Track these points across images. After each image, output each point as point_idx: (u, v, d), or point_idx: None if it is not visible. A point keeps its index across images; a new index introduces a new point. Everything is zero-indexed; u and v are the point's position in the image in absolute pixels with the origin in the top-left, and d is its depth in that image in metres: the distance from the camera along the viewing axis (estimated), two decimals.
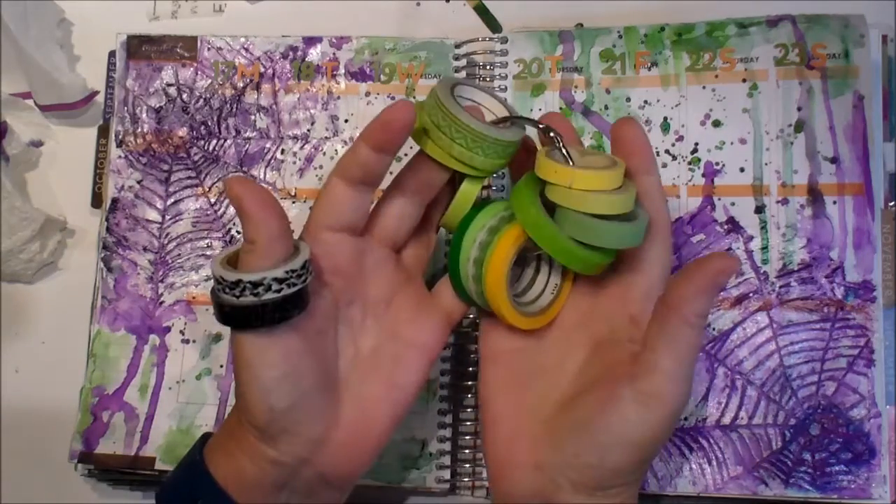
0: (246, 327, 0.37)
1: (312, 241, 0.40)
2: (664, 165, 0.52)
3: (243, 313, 0.36)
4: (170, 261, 0.54)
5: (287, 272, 0.36)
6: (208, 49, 0.56)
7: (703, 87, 0.52)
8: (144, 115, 0.56)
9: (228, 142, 0.55)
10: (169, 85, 0.56)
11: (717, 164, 0.51)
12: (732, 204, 0.51)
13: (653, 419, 0.37)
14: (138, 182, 0.55)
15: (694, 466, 0.48)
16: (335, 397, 0.41)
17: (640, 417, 0.37)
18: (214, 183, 0.55)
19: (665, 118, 0.52)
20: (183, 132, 0.56)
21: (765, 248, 0.50)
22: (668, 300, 0.38)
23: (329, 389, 0.40)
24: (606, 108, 0.53)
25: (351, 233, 0.41)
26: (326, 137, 0.55)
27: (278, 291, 0.36)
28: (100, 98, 0.59)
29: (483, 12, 0.58)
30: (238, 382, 0.39)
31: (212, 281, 0.37)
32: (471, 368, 0.51)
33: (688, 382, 0.38)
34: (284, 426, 0.38)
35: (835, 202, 0.50)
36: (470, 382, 0.51)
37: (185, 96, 0.56)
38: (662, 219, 0.41)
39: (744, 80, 0.52)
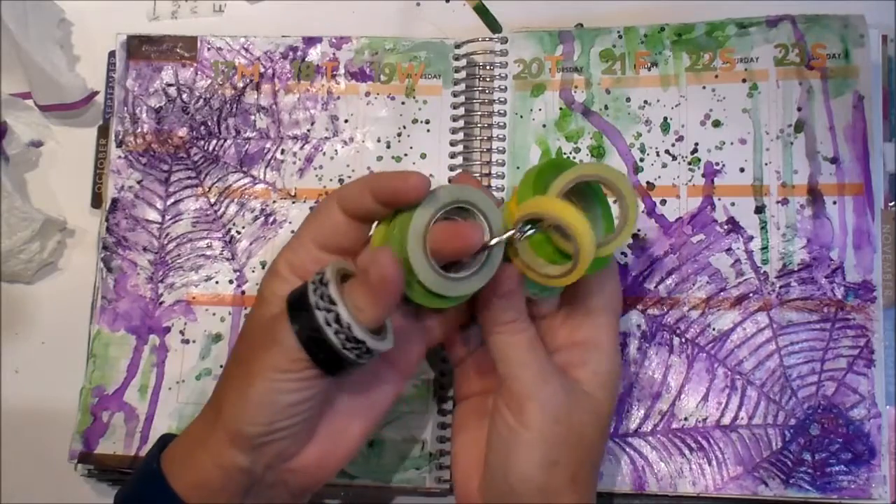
0: (330, 371, 0.37)
1: (306, 255, 0.40)
2: (664, 166, 0.52)
3: (338, 361, 0.37)
4: (170, 261, 0.54)
5: (381, 349, 0.37)
6: (208, 49, 0.56)
7: (703, 88, 0.52)
8: (144, 115, 0.56)
9: (228, 142, 0.55)
10: (169, 85, 0.56)
11: (717, 164, 0.51)
12: (732, 204, 0.51)
13: (519, 422, 0.39)
14: (138, 182, 0.55)
15: (694, 467, 0.48)
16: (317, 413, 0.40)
17: (509, 431, 0.40)
18: (214, 183, 0.55)
19: (665, 118, 0.52)
20: (183, 132, 0.56)
21: (765, 249, 0.50)
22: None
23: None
24: (606, 108, 0.53)
25: (344, 254, 0.41)
26: (326, 137, 0.55)
27: (369, 354, 0.37)
28: (100, 98, 0.59)
29: (483, 12, 0.58)
30: (240, 396, 0.38)
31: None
32: None
33: (542, 375, 0.40)
34: (269, 440, 0.38)
35: (835, 202, 0.50)
36: None
37: (185, 96, 0.56)
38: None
39: (744, 81, 0.52)
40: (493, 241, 0.39)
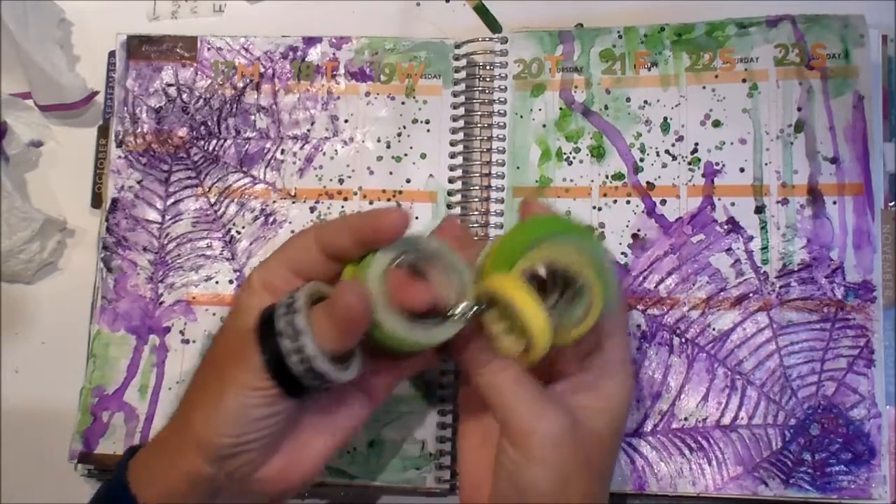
0: (292, 394, 0.37)
1: (279, 278, 0.40)
2: (664, 166, 0.52)
3: (300, 387, 0.37)
4: (170, 261, 0.54)
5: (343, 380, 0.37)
6: (208, 49, 0.56)
7: (703, 88, 0.52)
8: (144, 115, 0.56)
9: (228, 142, 0.55)
10: (169, 85, 0.56)
11: (717, 164, 0.51)
12: (732, 204, 0.51)
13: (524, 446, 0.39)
14: (138, 182, 0.55)
15: (694, 467, 0.48)
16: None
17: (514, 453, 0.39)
18: (214, 183, 0.55)
19: (665, 118, 0.52)
20: (183, 132, 0.56)
21: (765, 249, 0.50)
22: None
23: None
24: (606, 108, 0.53)
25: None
26: (326, 137, 0.55)
27: (329, 384, 0.37)
28: (100, 98, 0.59)
29: (483, 12, 0.58)
30: (210, 406, 0.38)
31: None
32: None
33: (536, 408, 0.39)
34: (237, 451, 0.38)
35: (835, 202, 0.50)
36: None
37: (185, 96, 0.56)
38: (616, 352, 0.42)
39: (744, 81, 0.52)
40: (449, 312, 0.38)
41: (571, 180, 0.52)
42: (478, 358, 0.40)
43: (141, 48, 0.57)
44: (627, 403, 0.42)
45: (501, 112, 0.54)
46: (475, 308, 0.38)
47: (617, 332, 0.41)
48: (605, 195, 0.52)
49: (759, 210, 0.50)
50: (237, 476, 0.39)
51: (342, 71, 0.55)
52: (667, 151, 0.52)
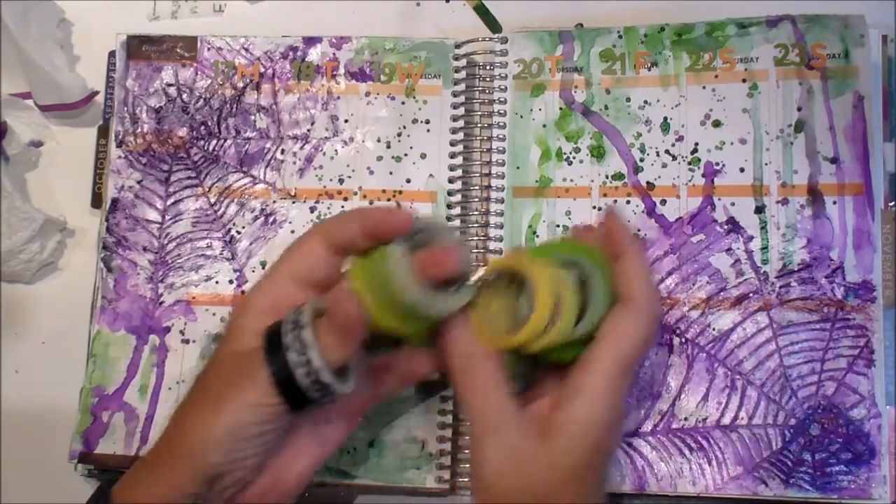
0: (295, 406, 0.38)
1: (281, 289, 0.41)
2: (664, 166, 0.52)
3: (304, 400, 0.38)
4: (170, 261, 0.54)
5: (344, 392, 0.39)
6: (208, 49, 0.56)
7: (703, 88, 0.52)
8: (144, 115, 0.56)
9: (228, 142, 0.55)
10: (169, 85, 0.56)
11: (717, 164, 0.51)
12: (732, 204, 0.51)
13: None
14: (138, 182, 0.55)
15: (694, 466, 0.48)
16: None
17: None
18: (214, 183, 0.55)
19: (665, 118, 0.52)
20: (183, 132, 0.56)
21: (765, 249, 0.50)
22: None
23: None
24: (606, 108, 0.53)
25: (318, 289, 0.41)
26: (326, 137, 0.55)
27: (331, 396, 0.38)
28: (100, 98, 0.59)
29: (483, 12, 0.58)
30: (204, 426, 0.38)
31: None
32: None
33: (495, 419, 0.40)
34: (227, 470, 0.38)
35: (835, 202, 0.50)
36: None
37: (185, 96, 0.56)
38: (638, 294, 0.41)
39: (744, 81, 0.52)
40: (473, 279, 0.41)
41: (571, 180, 0.52)
42: (462, 345, 0.41)
43: (141, 48, 0.57)
44: (600, 426, 0.39)
45: (501, 112, 0.54)
46: (494, 274, 0.41)
47: (599, 361, 0.40)
48: (605, 195, 0.52)
49: (759, 210, 0.50)
50: (225, 496, 0.39)
51: (342, 71, 0.55)
52: (667, 151, 0.52)
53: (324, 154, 0.55)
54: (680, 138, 0.52)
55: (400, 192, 0.54)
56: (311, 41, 0.56)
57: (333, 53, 0.56)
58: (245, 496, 0.40)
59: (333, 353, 0.38)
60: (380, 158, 0.54)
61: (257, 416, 0.38)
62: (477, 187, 0.54)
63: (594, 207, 0.52)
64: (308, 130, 0.55)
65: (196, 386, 0.41)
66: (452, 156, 0.54)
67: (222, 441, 0.38)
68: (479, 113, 0.54)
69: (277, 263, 0.42)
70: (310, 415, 0.41)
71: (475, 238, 0.53)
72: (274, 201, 0.54)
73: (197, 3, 0.60)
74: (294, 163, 0.55)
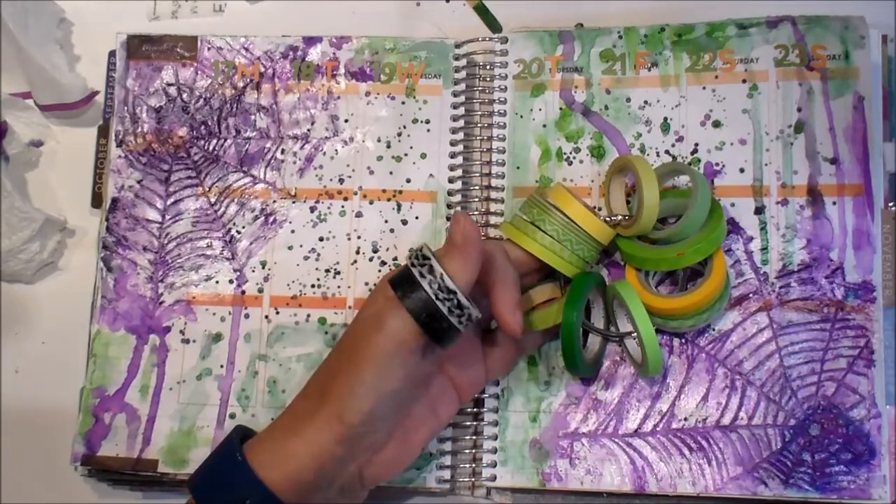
0: (439, 339, 0.41)
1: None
2: None
3: (446, 330, 0.41)
4: (170, 261, 0.54)
5: (477, 315, 0.41)
6: (208, 49, 0.56)
7: (703, 88, 0.52)
8: (144, 115, 0.56)
9: (228, 142, 0.55)
10: (169, 85, 0.56)
11: (717, 164, 0.51)
12: (732, 205, 0.51)
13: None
14: (138, 182, 0.55)
15: (694, 467, 0.48)
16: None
17: None
18: (214, 183, 0.55)
19: (665, 118, 0.52)
20: (183, 132, 0.56)
21: (764, 249, 0.50)
22: None
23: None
24: (606, 108, 0.53)
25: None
26: (326, 137, 0.55)
27: (469, 321, 0.41)
28: (100, 98, 0.59)
29: (483, 12, 0.58)
30: (346, 385, 0.41)
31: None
32: None
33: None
34: (370, 429, 0.41)
35: (834, 203, 0.50)
36: None
37: (185, 96, 0.56)
38: None
39: (744, 81, 0.52)
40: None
41: (571, 180, 0.53)
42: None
43: (141, 48, 0.57)
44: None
45: (501, 112, 0.54)
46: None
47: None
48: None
49: (759, 211, 0.50)
50: (359, 458, 0.42)
51: (342, 71, 0.55)
52: (667, 152, 0.52)
53: (324, 154, 0.55)
54: (680, 139, 0.52)
55: (400, 192, 0.54)
56: (311, 41, 0.56)
57: (333, 53, 0.56)
58: (377, 460, 0.43)
59: (462, 275, 0.41)
60: (380, 158, 0.54)
61: (394, 368, 0.41)
62: (477, 187, 0.54)
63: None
64: (308, 130, 0.55)
65: (333, 353, 0.44)
66: (452, 156, 0.54)
67: (364, 399, 0.40)
68: (479, 113, 0.54)
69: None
70: (427, 388, 0.45)
71: None
72: (274, 201, 0.54)
73: (197, 3, 0.60)
74: (294, 162, 0.55)
